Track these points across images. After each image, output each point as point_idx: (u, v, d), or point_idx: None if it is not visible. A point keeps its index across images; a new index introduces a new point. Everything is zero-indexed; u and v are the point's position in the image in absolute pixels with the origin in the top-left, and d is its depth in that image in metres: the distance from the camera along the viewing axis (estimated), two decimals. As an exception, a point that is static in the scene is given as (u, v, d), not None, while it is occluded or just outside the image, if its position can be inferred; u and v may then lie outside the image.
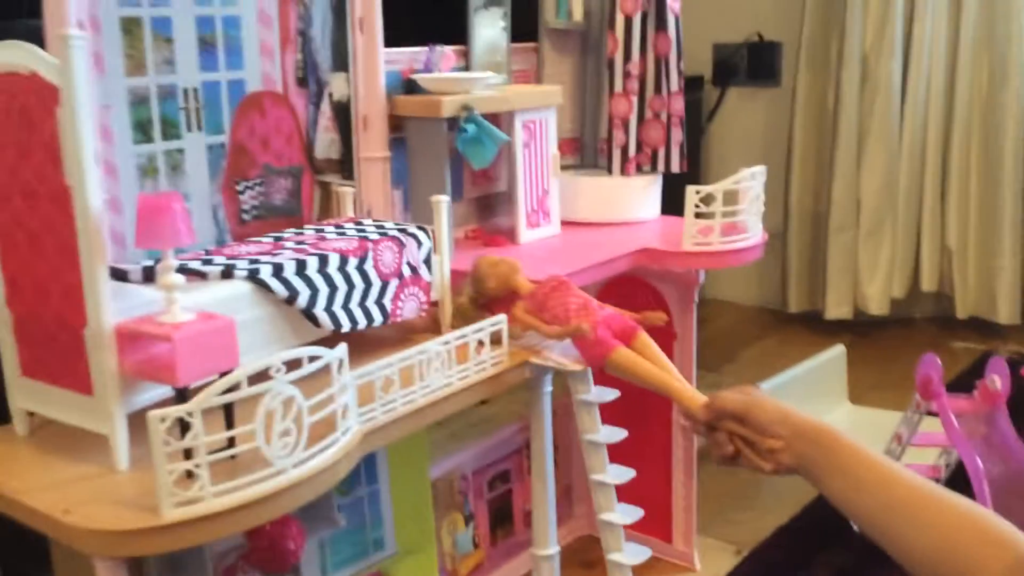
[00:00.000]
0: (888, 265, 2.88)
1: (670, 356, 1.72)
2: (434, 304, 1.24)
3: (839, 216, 2.88)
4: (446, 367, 1.11)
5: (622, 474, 1.24)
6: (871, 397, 2.45)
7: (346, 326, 1.10)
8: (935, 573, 0.80)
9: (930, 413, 1.63)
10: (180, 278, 0.89)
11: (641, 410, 1.74)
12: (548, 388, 1.27)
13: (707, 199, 1.41)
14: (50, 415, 0.97)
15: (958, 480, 1.76)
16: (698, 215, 1.43)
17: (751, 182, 1.44)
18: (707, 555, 1.80)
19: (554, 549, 1.31)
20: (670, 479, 1.77)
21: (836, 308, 2.93)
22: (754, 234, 1.46)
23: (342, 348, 0.96)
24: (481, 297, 1.22)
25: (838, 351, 2.46)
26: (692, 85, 2.80)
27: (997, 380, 1.56)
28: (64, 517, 0.83)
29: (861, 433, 2.15)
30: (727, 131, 3.26)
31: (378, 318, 1.15)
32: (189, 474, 0.85)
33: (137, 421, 0.91)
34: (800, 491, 2.03)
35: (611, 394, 1.23)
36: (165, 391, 0.93)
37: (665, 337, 1.73)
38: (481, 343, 1.15)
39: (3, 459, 0.96)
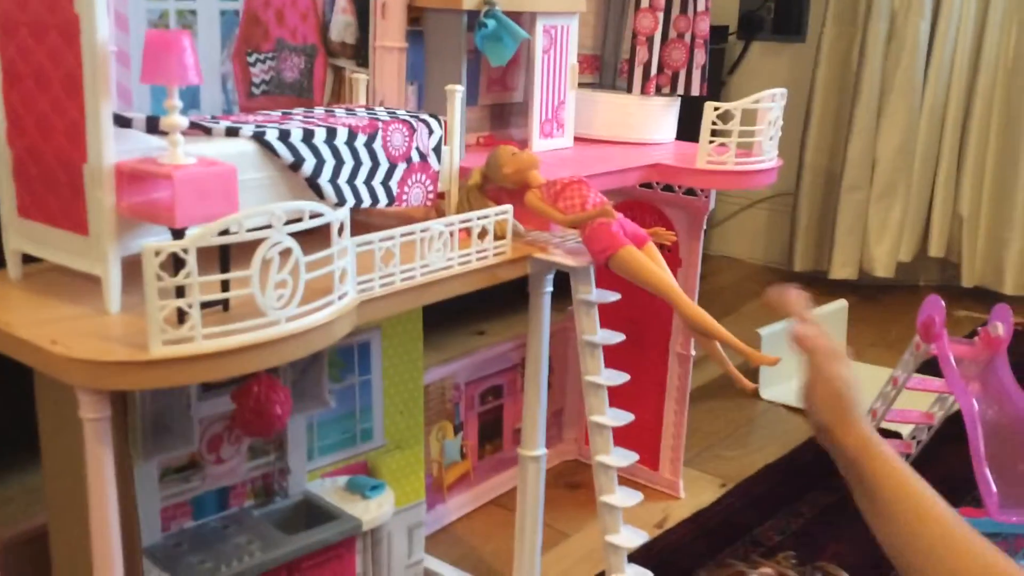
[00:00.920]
0: (898, 228, 2.86)
1: (673, 284, 1.73)
2: (440, 196, 1.23)
3: (853, 175, 2.85)
4: (447, 249, 1.09)
5: (620, 417, 1.24)
6: (868, 354, 2.44)
7: (350, 201, 1.08)
8: None
9: (929, 357, 1.62)
10: (184, 120, 0.88)
11: (639, 339, 1.73)
12: (548, 288, 1.26)
13: (725, 116, 1.39)
14: (45, 256, 0.95)
15: (953, 425, 1.75)
16: (714, 134, 1.40)
17: (771, 103, 1.41)
18: (692, 486, 1.80)
19: (541, 451, 1.31)
20: (662, 408, 1.76)
21: (841, 268, 2.91)
22: (769, 158, 1.44)
23: (344, 211, 0.94)
24: (491, 183, 1.20)
25: (840, 305, 2.45)
26: (716, 35, 2.76)
27: (1000, 327, 1.54)
28: (51, 347, 0.82)
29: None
30: (748, 85, 3.22)
31: (383, 199, 1.13)
32: (180, 318, 0.84)
33: (130, 268, 0.90)
34: (789, 434, 2.03)
35: (612, 296, 1.21)
36: (161, 238, 0.91)
37: (670, 263, 1.71)
38: (485, 231, 1.14)
39: (-5, 298, 0.95)
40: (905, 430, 1.89)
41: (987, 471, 1.41)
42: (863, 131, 2.82)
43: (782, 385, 2.22)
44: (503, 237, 1.16)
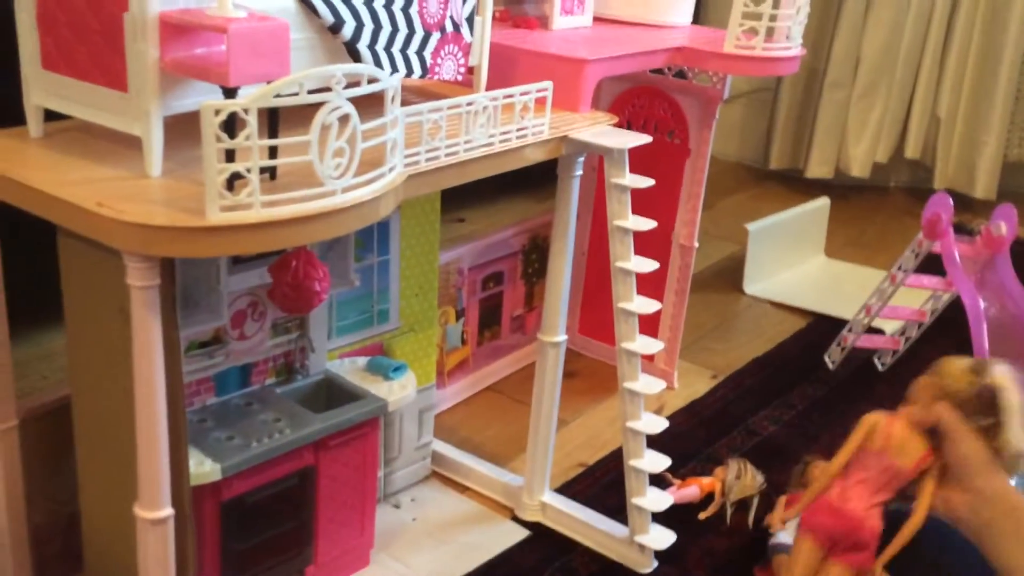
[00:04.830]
0: (876, 127, 2.86)
1: (680, 176, 1.71)
2: (470, 70, 1.17)
3: (836, 72, 2.83)
4: (490, 124, 1.05)
5: (648, 305, 1.22)
6: (844, 253, 2.47)
7: (387, 68, 1.02)
8: None
9: (930, 255, 1.64)
10: (235, -32, 0.81)
11: (646, 231, 1.71)
12: (579, 172, 1.23)
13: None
14: (72, 113, 0.89)
15: (947, 322, 1.79)
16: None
17: (802, -13, 1.37)
18: (684, 377, 1.82)
19: (561, 337, 1.30)
20: (661, 299, 1.75)
21: (819, 167, 2.92)
22: (796, 44, 1.41)
23: (397, 78, 0.89)
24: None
25: (822, 203, 2.46)
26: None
27: (1003, 225, 1.56)
28: (97, 209, 0.77)
29: (833, 283, 2.17)
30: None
31: (417, 70, 1.08)
32: (231, 183, 0.79)
33: (169, 130, 0.84)
34: (775, 328, 2.06)
35: (646, 182, 1.19)
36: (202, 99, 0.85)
37: (678, 155, 1.69)
38: (526, 107, 1.09)
39: (17, 156, 0.88)
40: (889, 327, 1.92)
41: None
42: (849, 28, 2.79)
43: (766, 281, 2.24)
44: (543, 110, 1.12)
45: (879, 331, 1.92)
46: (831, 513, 0.93)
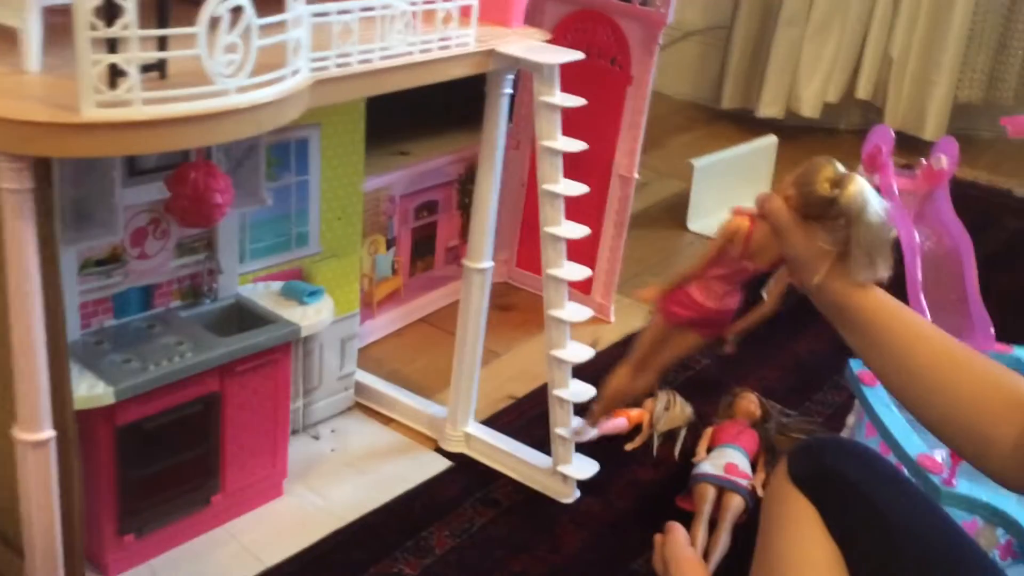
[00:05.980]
0: (829, 66, 2.82)
1: (621, 104, 1.66)
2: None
3: (791, 9, 2.78)
4: (409, 32, 0.99)
5: (575, 230, 1.18)
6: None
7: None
8: (952, 438, 0.75)
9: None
10: None
11: (579, 158, 1.66)
12: (508, 89, 1.17)
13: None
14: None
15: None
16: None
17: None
18: (622, 311, 1.79)
19: (488, 263, 1.25)
20: (599, 232, 1.72)
21: (769, 106, 2.88)
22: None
23: (300, -28, 0.82)
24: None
25: (770, 140, 2.42)
26: None
27: (943, 159, 1.52)
28: (-40, 103, 0.71)
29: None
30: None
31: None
32: (113, 80, 0.72)
33: (52, 26, 0.77)
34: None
35: (576, 101, 1.13)
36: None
37: (620, 82, 1.64)
38: (449, 16, 1.03)
39: None
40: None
41: (923, 300, 1.42)
42: (805, -37, 2.74)
43: (709, 218, 2.20)
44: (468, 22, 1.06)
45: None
46: (688, 305, 0.87)
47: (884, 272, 0.80)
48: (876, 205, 0.80)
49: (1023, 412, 0.71)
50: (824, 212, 0.79)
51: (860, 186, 0.79)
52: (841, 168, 0.81)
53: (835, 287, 0.80)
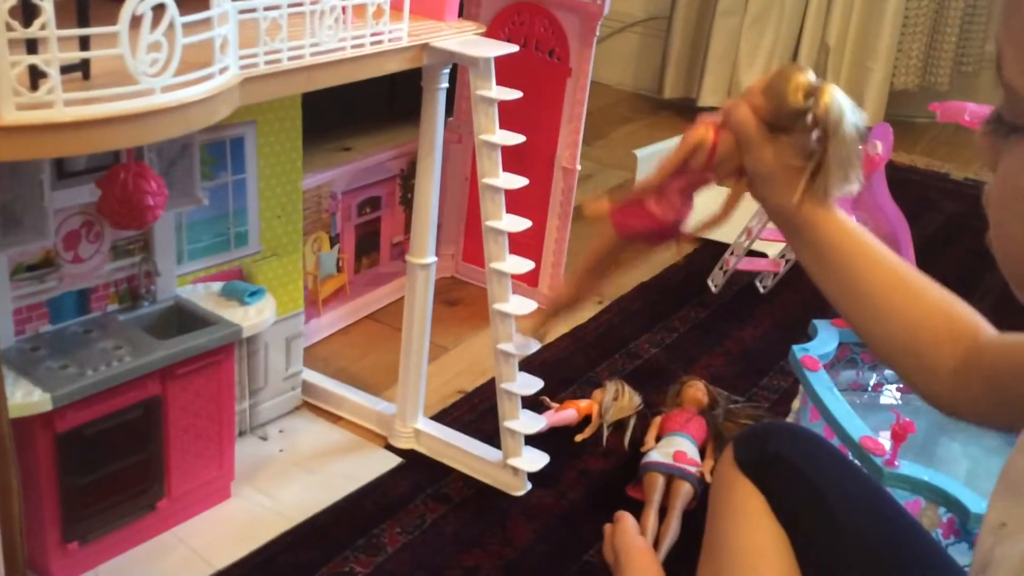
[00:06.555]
0: (767, 55, 2.86)
1: (561, 97, 1.67)
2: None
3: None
4: (340, 28, 0.98)
5: (517, 223, 1.18)
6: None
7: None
8: (896, 362, 0.76)
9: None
10: None
11: (522, 150, 1.67)
12: (444, 84, 1.17)
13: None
14: None
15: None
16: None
17: None
18: (570, 303, 1.79)
19: (431, 259, 1.25)
20: (544, 223, 1.72)
21: (711, 95, 2.91)
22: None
23: (225, -31, 0.81)
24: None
25: (713, 130, 2.44)
26: None
27: (879, 145, 1.55)
28: None
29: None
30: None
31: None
32: (34, 81, 0.71)
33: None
34: (665, 253, 2.05)
35: (513, 93, 1.14)
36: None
37: (559, 75, 1.64)
38: (380, 10, 1.02)
39: None
40: (772, 250, 1.93)
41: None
42: (742, -47, 2.76)
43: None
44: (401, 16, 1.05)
45: (762, 254, 1.93)
46: (644, 218, 0.82)
47: (856, 186, 0.76)
48: (852, 116, 0.74)
49: (968, 343, 0.72)
50: (794, 124, 0.73)
51: (836, 96, 0.73)
52: (813, 76, 0.75)
53: (800, 204, 0.76)
